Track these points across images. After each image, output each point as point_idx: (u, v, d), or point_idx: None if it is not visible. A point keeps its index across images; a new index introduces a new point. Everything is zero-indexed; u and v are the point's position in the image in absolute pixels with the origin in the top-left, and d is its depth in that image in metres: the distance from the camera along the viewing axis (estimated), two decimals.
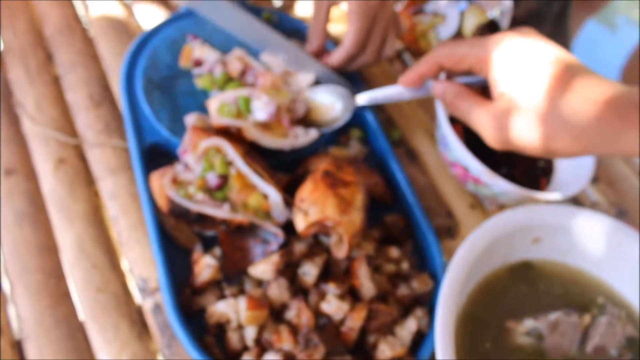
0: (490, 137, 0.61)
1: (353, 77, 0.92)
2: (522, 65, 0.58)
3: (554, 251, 0.81)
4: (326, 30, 0.84)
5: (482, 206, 0.90)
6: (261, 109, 0.76)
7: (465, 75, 0.69)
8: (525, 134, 0.58)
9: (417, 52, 1.05)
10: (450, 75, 0.70)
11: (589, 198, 0.94)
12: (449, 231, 0.87)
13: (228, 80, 0.85)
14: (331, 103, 0.82)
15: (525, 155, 0.87)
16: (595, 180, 0.95)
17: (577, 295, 0.79)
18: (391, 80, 1.01)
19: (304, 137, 0.78)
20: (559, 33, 1.19)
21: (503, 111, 0.59)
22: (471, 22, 1.00)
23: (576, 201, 0.92)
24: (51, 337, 0.73)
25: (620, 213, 0.93)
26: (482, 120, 0.61)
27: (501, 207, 0.89)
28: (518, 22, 1.13)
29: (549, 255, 0.81)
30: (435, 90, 0.67)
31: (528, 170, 0.88)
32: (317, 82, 0.88)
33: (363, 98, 0.77)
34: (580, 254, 0.80)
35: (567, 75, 0.55)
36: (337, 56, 0.85)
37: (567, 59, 0.57)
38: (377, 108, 0.96)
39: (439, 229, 0.86)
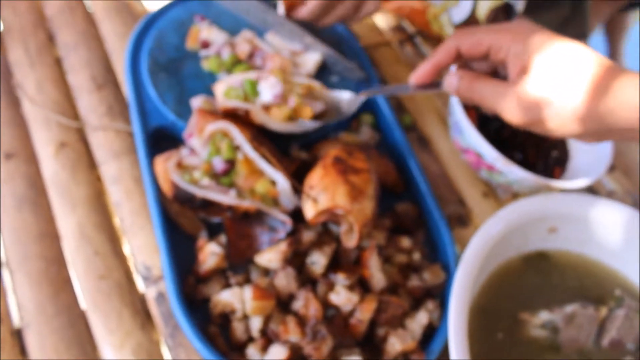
0: (517, 117, 0.60)
1: (362, 60, 0.89)
2: (559, 59, 0.57)
3: (570, 241, 0.79)
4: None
5: (495, 194, 0.87)
6: (267, 90, 0.73)
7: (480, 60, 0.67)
8: (561, 125, 0.58)
9: (429, 36, 1.03)
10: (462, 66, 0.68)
11: (605, 187, 0.91)
12: (461, 220, 0.84)
13: (236, 63, 0.83)
14: (336, 102, 0.79)
15: (540, 142, 0.86)
16: (611, 168, 0.93)
17: (593, 287, 0.77)
18: (402, 64, 0.98)
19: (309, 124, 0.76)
20: (577, 17, 1.15)
21: (534, 98, 0.58)
22: (485, 5, 0.97)
23: (592, 190, 0.90)
24: (52, 326, 0.71)
25: (636, 202, 0.90)
26: (509, 101, 0.59)
27: (515, 195, 0.87)
28: (534, 4, 1.09)
29: (564, 245, 0.79)
30: (449, 80, 0.64)
31: (542, 159, 0.86)
32: (324, 64, 0.86)
33: (366, 94, 0.74)
34: (597, 244, 0.78)
35: (607, 76, 0.56)
36: (311, 5, 0.80)
37: (605, 61, 0.57)
38: None
39: (451, 217, 0.84)
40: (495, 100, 0.61)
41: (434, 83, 0.67)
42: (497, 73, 0.65)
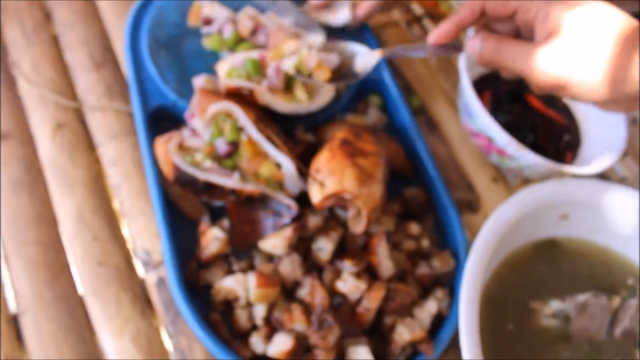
0: (544, 80, 0.58)
1: (369, 40, 0.87)
2: (589, 23, 0.56)
3: (582, 229, 0.77)
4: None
5: (505, 180, 0.85)
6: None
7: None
8: (587, 91, 0.57)
9: (437, 17, 1.00)
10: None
11: (617, 173, 0.89)
12: (470, 205, 0.82)
13: (239, 41, 0.80)
14: (350, 56, 0.76)
15: (551, 125, 0.84)
16: (623, 154, 0.91)
17: (605, 275, 0.76)
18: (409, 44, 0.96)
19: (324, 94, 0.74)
20: None
21: (562, 62, 0.56)
22: None
23: (603, 176, 0.88)
24: (50, 313, 0.69)
25: None
26: (537, 63, 0.57)
27: (525, 181, 0.85)
28: None
29: (576, 233, 0.78)
30: (472, 43, 0.62)
31: (553, 143, 0.84)
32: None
33: (383, 52, 0.71)
34: (609, 231, 0.77)
35: (636, 42, 0.54)
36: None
37: (636, 25, 0.56)
38: (396, 74, 0.91)
39: (460, 202, 0.82)
40: (523, 62, 0.58)
41: (454, 45, 0.64)
42: (518, 35, 0.63)
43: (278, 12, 0.83)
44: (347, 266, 0.67)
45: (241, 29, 0.80)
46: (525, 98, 0.86)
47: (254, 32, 0.80)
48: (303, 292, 0.66)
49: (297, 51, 0.72)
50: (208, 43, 0.81)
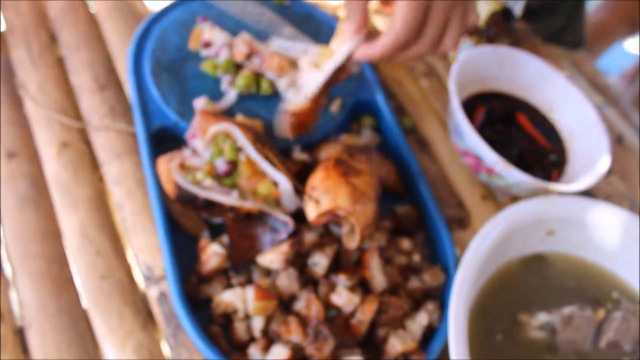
0: None
1: (365, 68, 0.90)
2: None
3: (568, 244, 0.79)
4: (367, 5, 0.66)
5: (494, 197, 0.88)
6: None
7: None
8: None
9: None
10: None
11: (603, 190, 0.92)
12: (460, 222, 0.85)
13: (234, 65, 0.83)
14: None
15: (536, 145, 0.87)
16: (609, 172, 0.94)
17: (591, 289, 0.78)
18: (400, 65, 0.99)
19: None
20: (573, 26, 1.16)
21: None
22: (485, 9, 0.98)
23: (589, 193, 0.90)
24: (54, 325, 0.71)
25: (633, 205, 0.91)
26: None
27: (514, 198, 0.88)
28: (532, 11, 1.11)
29: (562, 248, 0.80)
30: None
31: (539, 161, 0.86)
32: None
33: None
34: (595, 247, 0.79)
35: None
36: (383, 44, 0.64)
37: None
38: (389, 95, 0.94)
39: (450, 219, 0.84)
40: None
41: None
42: None
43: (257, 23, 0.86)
44: (342, 280, 0.69)
45: (237, 53, 0.82)
46: (515, 117, 0.89)
47: (249, 56, 0.82)
48: (299, 305, 0.68)
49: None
50: (204, 67, 0.83)
